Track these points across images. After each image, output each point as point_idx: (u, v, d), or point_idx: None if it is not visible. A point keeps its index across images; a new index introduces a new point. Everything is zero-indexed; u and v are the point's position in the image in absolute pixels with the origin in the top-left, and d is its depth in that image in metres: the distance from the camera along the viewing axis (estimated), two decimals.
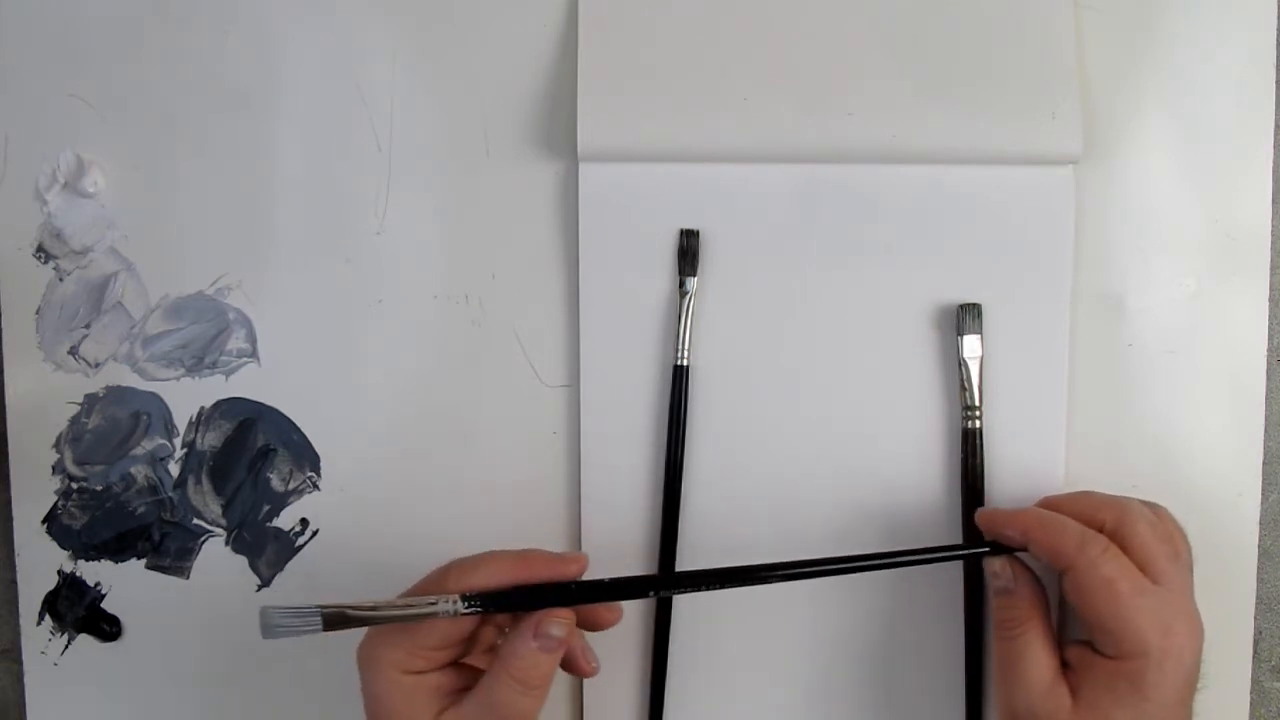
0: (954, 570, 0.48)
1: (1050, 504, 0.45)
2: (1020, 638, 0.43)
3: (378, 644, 0.41)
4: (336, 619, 0.39)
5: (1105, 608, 0.40)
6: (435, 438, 0.49)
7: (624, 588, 0.43)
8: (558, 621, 0.41)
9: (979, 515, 0.45)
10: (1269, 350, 0.49)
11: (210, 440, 0.50)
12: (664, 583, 0.45)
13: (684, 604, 0.49)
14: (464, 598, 0.40)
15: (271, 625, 0.39)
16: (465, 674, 0.42)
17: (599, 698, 0.49)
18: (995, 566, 0.44)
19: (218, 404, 0.50)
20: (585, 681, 0.49)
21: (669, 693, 0.49)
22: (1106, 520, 0.42)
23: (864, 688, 0.49)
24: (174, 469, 0.50)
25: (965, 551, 0.45)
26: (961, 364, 0.47)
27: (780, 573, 0.43)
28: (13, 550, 0.50)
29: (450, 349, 0.49)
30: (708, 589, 0.43)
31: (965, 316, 0.47)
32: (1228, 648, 0.49)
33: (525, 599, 0.41)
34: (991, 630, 0.45)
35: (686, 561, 0.48)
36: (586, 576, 0.43)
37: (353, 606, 0.39)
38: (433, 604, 0.40)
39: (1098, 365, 0.49)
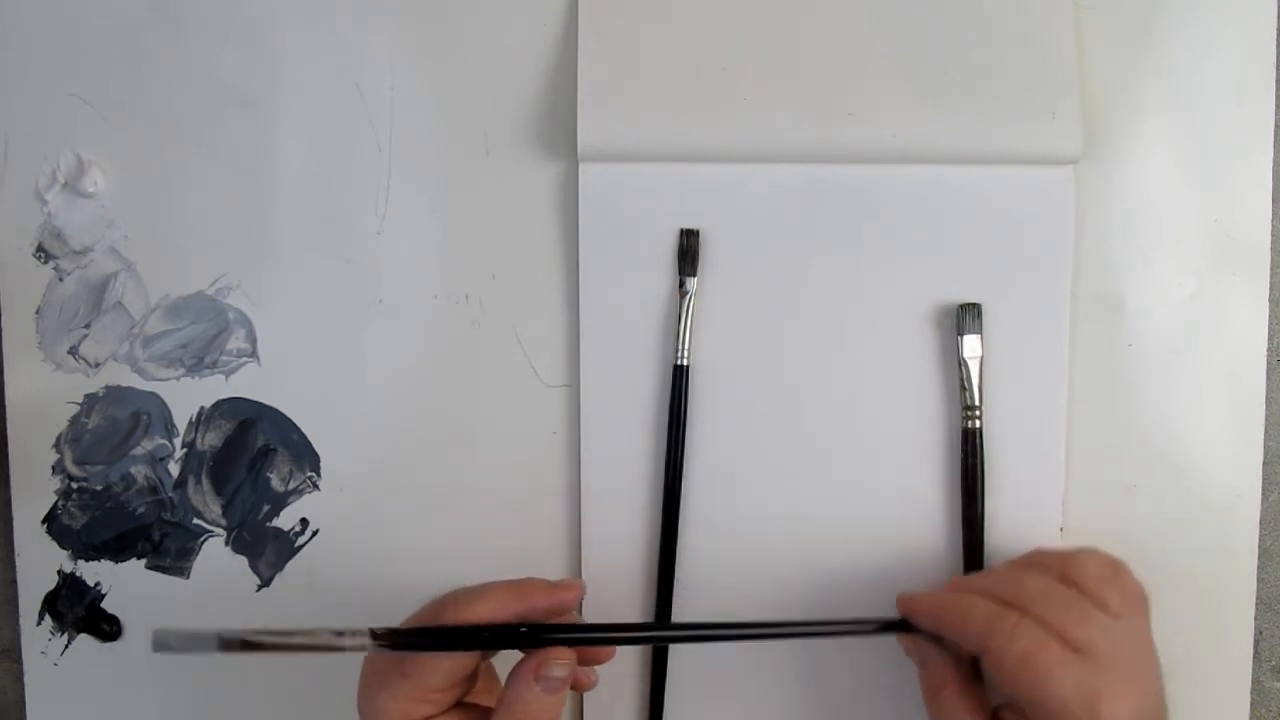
0: (945, 574, 0.48)
1: (964, 584, 0.43)
2: (944, 702, 0.42)
3: (379, 693, 0.39)
4: (235, 644, 0.37)
5: (1025, 683, 0.38)
6: (435, 438, 0.49)
7: (544, 633, 0.40)
8: (559, 662, 0.39)
9: (899, 599, 0.44)
10: (1269, 350, 0.49)
11: (210, 440, 0.50)
12: (594, 632, 0.43)
13: (683, 606, 0.49)
14: (374, 634, 0.38)
15: (164, 645, 0.37)
16: (472, 715, 0.41)
17: (599, 699, 0.49)
18: (905, 645, 0.45)
19: (218, 404, 0.50)
20: None
21: (669, 694, 0.49)
22: (1053, 567, 0.41)
23: (863, 688, 0.49)
24: (174, 469, 0.50)
25: (881, 629, 0.44)
26: (961, 364, 0.47)
27: (686, 633, 0.44)
28: (13, 550, 0.50)
29: (450, 349, 0.49)
30: (646, 643, 0.42)
31: (965, 316, 0.47)
32: (1228, 648, 0.49)
33: (437, 639, 0.39)
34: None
35: (687, 561, 0.48)
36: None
37: (255, 632, 0.37)
38: (339, 635, 0.37)
39: (1098, 365, 0.49)
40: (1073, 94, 0.47)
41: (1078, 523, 0.49)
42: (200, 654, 0.37)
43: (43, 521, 0.50)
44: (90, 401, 0.50)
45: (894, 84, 0.47)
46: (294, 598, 0.50)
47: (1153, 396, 0.49)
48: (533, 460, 0.49)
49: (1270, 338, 0.49)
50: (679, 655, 0.49)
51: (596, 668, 0.44)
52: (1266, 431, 0.49)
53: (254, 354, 0.49)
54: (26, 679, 0.50)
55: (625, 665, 0.49)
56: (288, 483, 0.50)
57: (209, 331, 0.49)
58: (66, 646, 0.50)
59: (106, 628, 0.50)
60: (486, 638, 0.39)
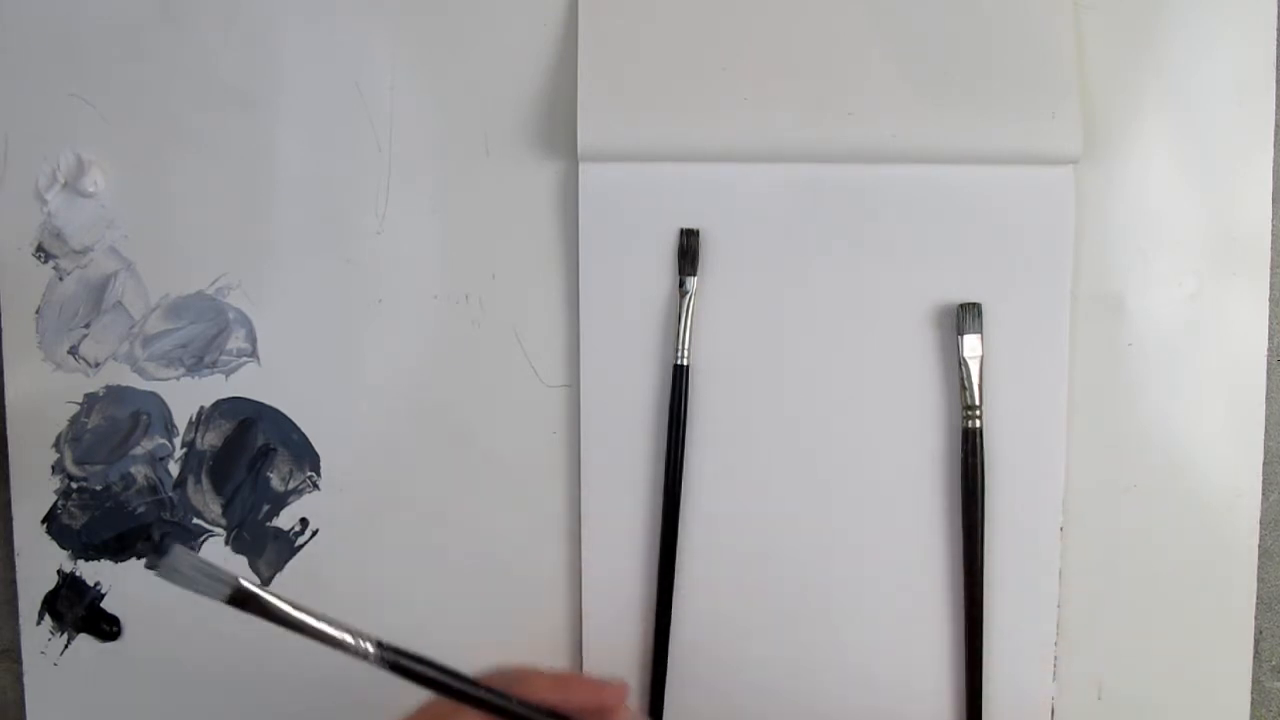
0: (944, 573, 0.48)
1: None
2: None
3: None
4: (244, 597, 0.35)
5: None
6: (435, 438, 0.49)
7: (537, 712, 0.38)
8: None
9: None
10: (1269, 350, 0.49)
11: (210, 440, 0.50)
12: None
13: (683, 606, 0.49)
14: (379, 645, 0.36)
15: (174, 570, 0.34)
16: None
17: None
18: None
19: (217, 404, 0.50)
20: None
21: (669, 691, 0.49)
22: None
23: (864, 696, 0.49)
24: (174, 469, 0.50)
25: None
26: (961, 363, 0.47)
27: None
28: (13, 550, 0.50)
29: (450, 349, 0.49)
30: None
31: (965, 316, 0.47)
32: (1228, 648, 0.49)
33: (434, 677, 0.37)
34: None
35: (687, 561, 0.48)
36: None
37: (271, 593, 0.36)
38: (346, 635, 0.36)
39: (1098, 365, 0.49)
40: (1073, 94, 0.47)
41: (1078, 523, 0.49)
42: (200, 594, 0.35)
43: (43, 521, 0.50)
44: (90, 401, 0.50)
45: (894, 84, 0.47)
46: (294, 598, 0.50)
47: (1153, 396, 0.49)
48: (533, 460, 0.49)
49: (1270, 338, 0.49)
50: (678, 640, 0.49)
51: None
52: (1266, 431, 0.49)
53: (254, 354, 0.49)
54: (26, 679, 0.50)
55: (624, 659, 0.49)
56: (288, 483, 0.50)
57: (209, 331, 0.49)
58: (66, 646, 0.50)
59: (106, 628, 0.50)
60: (483, 698, 0.37)
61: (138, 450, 0.50)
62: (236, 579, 0.35)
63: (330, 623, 0.36)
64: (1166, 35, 0.48)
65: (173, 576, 0.35)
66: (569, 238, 0.49)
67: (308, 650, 0.50)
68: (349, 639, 0.36)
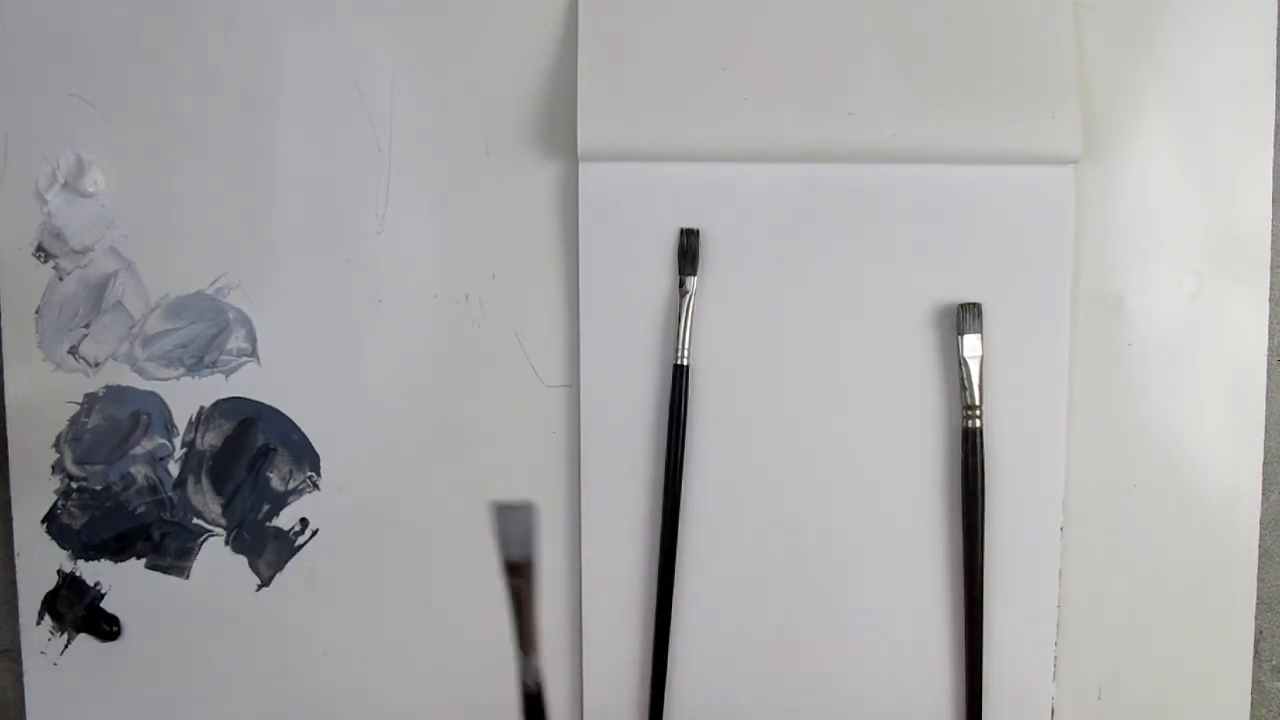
0: (943, 572, 0.48)
1: None
2: None
3: None
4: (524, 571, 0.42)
5: None
6: (435, 437, 0.49)
7: None
8: None
9: None
10: (1269, 350, 0.49)
11: (210, 440, 0.50)
12: None
13: (683, 604, 0.49)
14: (537, 682, 0.43)
15: (517, 516, 0.42)
16: None
17: (600, 698, 0.49)
18: None
19: (217, 403, 0.50)
20: (585, 680, 0.49)
21: (669, 691, 0.49)
22: None
23: (864, 696, 0.49)
24: (174, 469, 0.50)
25: None
26: (961, 363, 0.47)
27: None
28: (12, 550, 0.50)
29: (450, 349, 0.49)
30: None
31: (965, 316, 0.47)
32: (1228, 648, 0.49)
33: None
34: None
35: (687, 560, 0.48)
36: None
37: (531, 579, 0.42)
38: (534, 658, 0.44)
39: (1098, 365, 0.49)
40: (1073, 94, 0.47)
41: (1078, 523, 0.49)
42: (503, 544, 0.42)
43: (43, 521, 0.50)
44: (90, 401, 0.50)
45: (894, 84, 0.47)
46: (294, 598, 0.50)
47: (1153, 396, 0.49)
48: (533, 460, 0.49)
49: (1270, 338, 0.49)
50: (679, 638, 0.49)
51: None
52: (1266, 431, 0.49)
53: (254, 354, 0.49)
54: (26, 679, 0.50)
55: (626, 657, 0.49)
56: (288, 482, 0.50)
57: (209, 331, 0.49)
58: (66, 646, 0.50)
59: (106, 628, 0.50)
60: None
61: (138, 450, 0.50)
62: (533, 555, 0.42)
63: (536, 641, 0.43)
64: (1166, 35, 0.48)
65: (507, 517, 0.42)
66: (569, 238, 0.49)
67: (304, 649, 0.50)
68: (532, 661, 0.42)
